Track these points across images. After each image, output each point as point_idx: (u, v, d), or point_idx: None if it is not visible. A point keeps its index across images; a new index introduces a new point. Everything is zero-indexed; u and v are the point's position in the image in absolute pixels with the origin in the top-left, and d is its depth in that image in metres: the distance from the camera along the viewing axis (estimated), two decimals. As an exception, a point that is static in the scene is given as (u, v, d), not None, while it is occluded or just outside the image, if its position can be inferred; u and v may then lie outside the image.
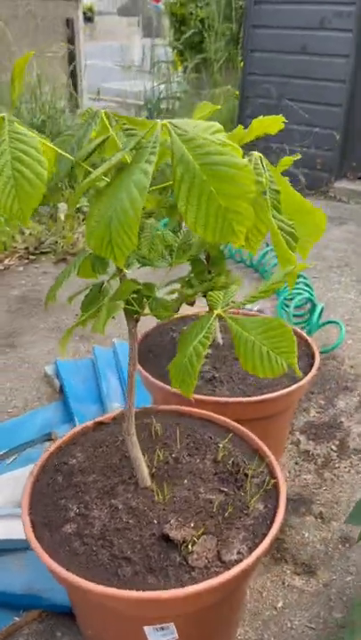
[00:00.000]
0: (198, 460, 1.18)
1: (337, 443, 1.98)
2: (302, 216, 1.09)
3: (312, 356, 1.60)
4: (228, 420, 1.32)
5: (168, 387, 1.36)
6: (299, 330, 1.73)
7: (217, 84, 5.46)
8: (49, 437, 1.94)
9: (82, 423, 1.30)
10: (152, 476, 1.13)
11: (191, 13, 6.10)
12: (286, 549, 1.57)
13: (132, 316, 1.01)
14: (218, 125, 0.87)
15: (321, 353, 2.49)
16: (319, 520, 1.67)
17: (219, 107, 0.99)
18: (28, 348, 2.53)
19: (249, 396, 1.44)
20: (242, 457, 1.20)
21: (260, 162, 0.94)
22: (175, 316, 1.42)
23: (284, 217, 1.03)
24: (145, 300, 0.98)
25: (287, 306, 2.68)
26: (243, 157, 1.56)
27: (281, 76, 4.72)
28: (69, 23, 11.58)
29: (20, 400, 2.19)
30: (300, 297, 2.70)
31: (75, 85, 10.51)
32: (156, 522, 1.03)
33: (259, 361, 0.84)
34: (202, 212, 0.77)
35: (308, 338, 1.68)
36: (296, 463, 1.89)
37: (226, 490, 1.10)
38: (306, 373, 1.52)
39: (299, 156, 1.42)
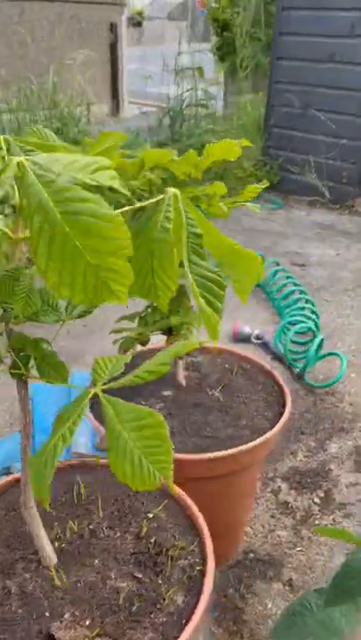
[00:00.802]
0: (118, 535, 1.02)
1: (321, 494, 1.78)
2: (235, 260, 0.93)
3: (283, 404, 1.42)
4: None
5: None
6: (268, 368, 1.56)
7: (242, 91, 5.29)
8: (7, 471, 1.81)
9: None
10: (60, 551, 0.98)
11: (232, 18, 5.99)
12: (245, 622, 1.40)
13: (21, 379, 0.86)
14: (103, 162, 0.71)
15: (320, 387, 2.30)
16: (287, 588, 1.48)
17: (125, 136, 0.84)
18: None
19: (204, 450, 1.27)
20: (172, 532, 1.04)
21: (172, 202, 0.78)
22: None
23: (208, 263, 0.87)
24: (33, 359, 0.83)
25: (288, 330, 2.49)
26: (201, 183, 1.37)
27: (308, 84, 4.52)
28: (113, 27, 11.60)
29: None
30: (301, 325, 2.51)
31: (115, 90, 10.45)
32: (48, 614, 0.87)
33: (129, 467, 0.68)
34: (67, 271, 0.61)
35: (280, 381, 1.50)
36: (272, 516, 1.70)
37: (140, 576, 0.94)
38: (273, 425, 1.35)
39: (266, 184, 1.26)
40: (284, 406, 1.42)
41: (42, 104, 4.28)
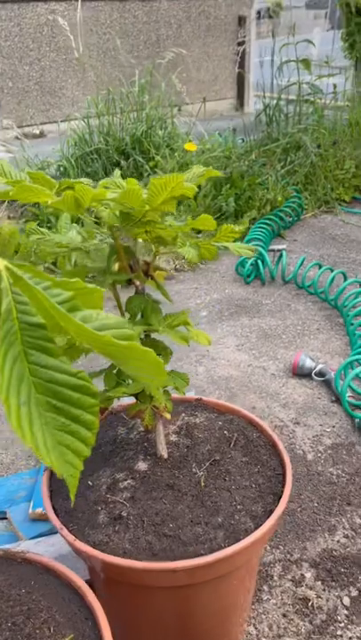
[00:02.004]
0: None
1: (355, 593, 1.44)
2: (120, 355, 0.67)
3: (280, 496, 1.12)
4: (88, 593, 0.92)
5: (104, 556, 1.00)
6: (276, 441, 1.24)
7: None
8: (4, 516, 1.68)
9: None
10: None
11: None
12: None
13: None
14: None
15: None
16: None
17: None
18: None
19: (154, 555, 1.02)
20: None
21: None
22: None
23: (61, 361, 0.63)
24: None
25: (353, 368, 2.12)
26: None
27: None
28: (242, 21, 11.35)
29: (10, 455, 1.97)
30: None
31: (241, 84, 10.17)
32: None
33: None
34: None
35: (286, 462, 1.19)
36: (285, 615, 1.39)
37: None
38: (257, 526, 1.05)
39: (245, 225, 0.97)
40: (280, 499, 1.12)
41: (130, 106, 4.16)
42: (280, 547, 1.57)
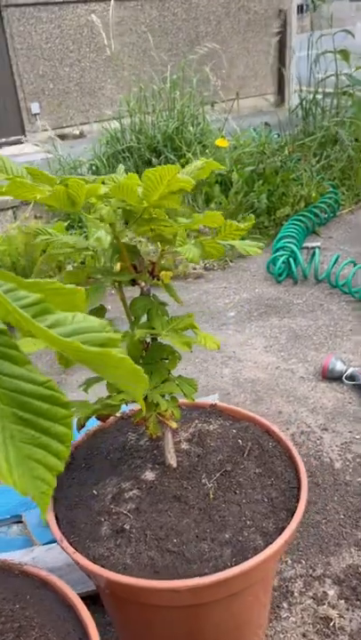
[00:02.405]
0: None
1: (381, 614, 1.35)
2: (97, 361, 0.62)
3: (293, 512, 1.04)
4: (82, 611, 0.87)
5: (103, 571, 0.95)
6: (294, 452, 1.17)
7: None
8: (19, 519, 1.65)
9: None
10: None
11: None
12: None
13: None
14: None
15: None
16: None
17: None
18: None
19: (156, 571, 0.96)
20: None
21: None
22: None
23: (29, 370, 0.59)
24: None
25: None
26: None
27: None
28: (282, 15, 11.19)
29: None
30: None
31: (281, 79, 10.02)
32: None
33: None
34: None
35: (302, 474, 1.11)
36: (304, 635, 1.32)
37: None
38: (267, 544, 0.98)
39: (252, 222, 0.91)
40: (293, 515, 1.04)
41: (162, 103, 4.11)
42: (302, 561, 1.49)
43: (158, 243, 1.01)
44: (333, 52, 4.63)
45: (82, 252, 1.09)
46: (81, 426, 1.06)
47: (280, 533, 1.00)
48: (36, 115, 9.11)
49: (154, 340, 1.09)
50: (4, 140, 8.51)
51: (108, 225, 0.97)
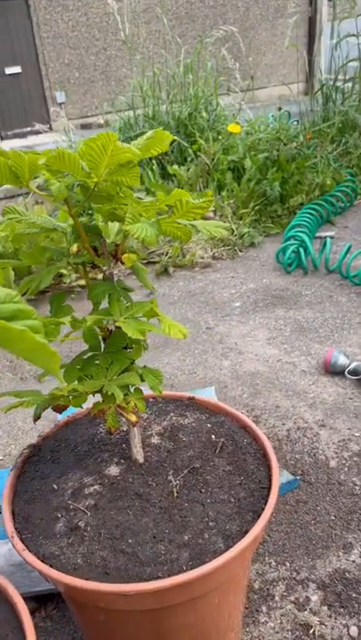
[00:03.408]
0: None
1: (365, 623, 1.27)
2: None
3: (259, 514, 0.97)
4: (23, 613, 0.82)
5: (50, 571, 0.90)
6: (269, 450, 1.09)
7: None
8: None
9: None
10: None
11: None
12: None
13: None
14: None
15: None
16: None
17: None
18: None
19: (107, 572, 0.90)
20: None
21: None
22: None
23: None
24: None
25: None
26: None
27: None
28: (312, 1, 10.95)
29: (19, 447, 1.91)
30: None
31: (310, 67, 9.88)
32: None
33: None
34: None
35: (275, 473, 1.03)
36: (281, 642, 1.25)
37: None
38: (227, 547, 0.91)
39: (209, 198, 0.84)
40: (260, 516, 0.97)
41: (176, 89, 4.01)
42: (287, 563, 1.42)
43: (110, 222, 0.94)
44: (356, 36, 4.47)
45: (49, 233, 1.03)
46: (36, 417, 1.01)
47: (243, 536, 0.93)
48: (61, 104, 9.09)
49: (117, 327, 1.02)
50: (29, 129, 8.52)
51: (61, 202, 0.91)
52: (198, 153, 3.61)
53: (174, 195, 0.90)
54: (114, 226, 1.02)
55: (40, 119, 8.74)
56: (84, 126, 8.90)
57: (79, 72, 9.22)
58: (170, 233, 0.93)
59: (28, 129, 8.59)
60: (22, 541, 0.96)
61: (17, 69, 8.57)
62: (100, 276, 1.01)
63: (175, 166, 3.55)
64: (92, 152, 0.74)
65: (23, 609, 0.85)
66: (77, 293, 2.91)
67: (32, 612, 1.33)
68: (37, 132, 8.22)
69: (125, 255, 0.98)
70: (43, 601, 1.37)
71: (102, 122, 8.68)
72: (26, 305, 0.54)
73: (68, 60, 8.99)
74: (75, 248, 0.94)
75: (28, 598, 1.31)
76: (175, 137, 0.84)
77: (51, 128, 8.44)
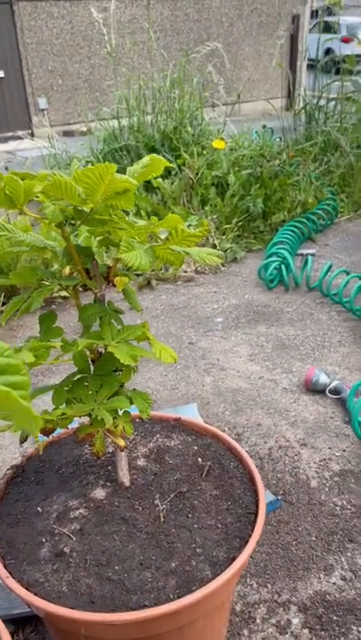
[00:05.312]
0: None
1: (346, 647, 1.27)
2: None
3: (247, 540, 0.97)
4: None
5: (34, 599, 0.88)
6: (255, 474, 1.09)
7: None
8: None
9: None
10: None
11: None
12: None
13: None
14: None
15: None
16: None
17: None
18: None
19: (93, 601, 0.89)
20: None
21: None
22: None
23: None
24: None
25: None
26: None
27: None
28: (295, 19, 11.12)
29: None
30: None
31: (291, 83, 10.00)
32: None
33: None
34: None
35: (261, 498, 1.04)
36: (262, 667, 1.24)
37: None
38: (215, 575, 0.91)
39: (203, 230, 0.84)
40: (247, 543, 0.97)
41: (162, 102, 4.03)
42: (268, 585, 1.42)
43: (107, 247, 0.94)
44: (340, 58, 4.56)
45: (39, 251, 1.02)
46: (23, 440, 0.99)
47: (231, 563, 0.93)
48: (43, 110, 9.05)
49: (107, 349, 1.02)
50: (10, 134, 8.46)
51: (56, 225, 0.90)
52: (183, 167, 3.62)
53: (168, 220, 0.90)
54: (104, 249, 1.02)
55: (22, 125, 8.70)
56: (67, 133, 8.87)
57: (62, 79, 9.20)
58: (163, 258, 0.93)
59: (10, 134, 8.52)
60: (5, 567, 0.94)
61: (0, 74, 8.53)
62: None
63: (159, 179, 3.56)
64: (88, 180, 0.73)
65: (5, 635, 0.83)
66: (59, 304, 2.89)
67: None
68: (19, 138, 8.17)
69: (118, 278, 0.98)
70: (21, 623, 1.34)
71: (85, 129, 8.67)
72: (15, 359, 0.52)
73: (52, 66, 8.97)
74: (67, 270, 0.93)
75: (5, 621, 1.29)
76: (166, 161, 0.85)
77: (32, 134, 8.40)
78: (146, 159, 0.80)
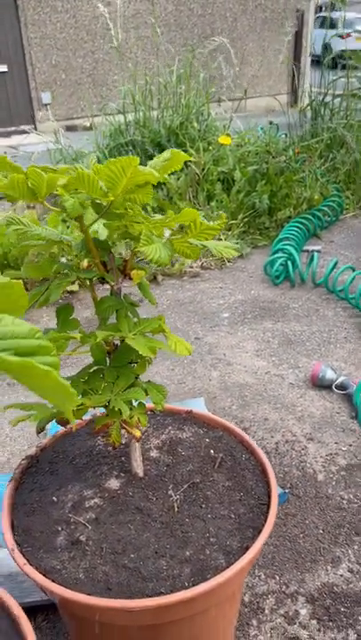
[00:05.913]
0: None
1: (353, 637, 1.29)
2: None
3: (260, 530, 0.98)
4: (24, 625, 0.82)
5: (52, 585, 0.90)
6: (267, 466, 1.11)
7: None
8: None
9: None
10: None
11: None
12: None
13: None
14: None
15: None
16: None
17: None
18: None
19: (109, 588, 0.91)
20: None
21: None
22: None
23: None
24: None
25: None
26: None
27: None
28: (299, 15, 11.08)
29: (6, 454, 1.90)
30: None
31: (296, 79, 9.94)
32: None
33: None
34: None
35: (273, 489, 1.05)
36: (271, 656, 1.26)
37: None
38: (229, 564, 0.93)
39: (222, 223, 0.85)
40: (260, 532, 0.99)
41: (168, 97, 4.03)
42: (276, 576, 1.43)
43: (129, 240, 0.95)
44: (346, 53, 4.55)
45: (54, 245, 1.04)
46: (40, 430, 1.01)
47: (244, 553, 0.95)
48: (46, 105, 9.03)
49: (123, 342, 1.03)
50: (13, 128, 8.45)
51: (74, 219, 0.91)
52: (189, 163, 3.63)
53: (185, 214, 0.92)
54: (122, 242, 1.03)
55: (25, 119, 8.69)
56: (70, 128, 8.87)
57: (66, 74, 9.18)
58: (180, 252, 0.94)
59: (13, 128, 8.52)
60: (23, 555, 0.96)
61: (3, 68, 8.51)
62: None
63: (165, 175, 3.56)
64: (110, 173, 0.75)
65: (25, 621, 0.85)
66: (65, 298, 2.90)
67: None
68: (22, 132, 8.17)
69: (134, 271, 0.99)
70: (32, 612, 1.36)
71: (88, 124, 8.67)
72: (47, 341, 0.54)
73: (56, 61, 8.95)
74: (85, 263, 0.95)
75: (18, 609, 1.30)
76: (186, 155, 0.86)
77: (36, 128, 8.39)
78: (167, 153, 0.81)
